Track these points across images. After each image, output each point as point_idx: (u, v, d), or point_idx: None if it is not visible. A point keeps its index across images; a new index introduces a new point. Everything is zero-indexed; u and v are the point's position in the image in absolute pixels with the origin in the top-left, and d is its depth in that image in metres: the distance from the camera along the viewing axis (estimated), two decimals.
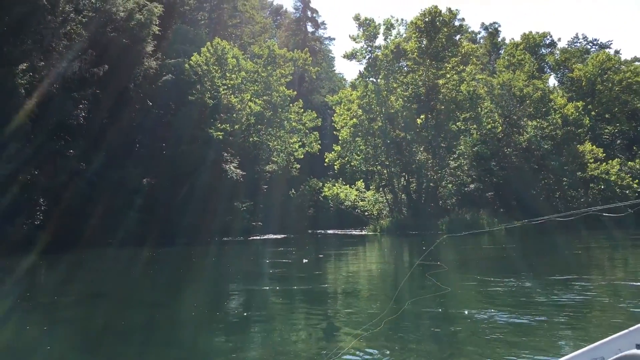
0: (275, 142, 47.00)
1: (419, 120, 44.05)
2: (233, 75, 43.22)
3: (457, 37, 45.13)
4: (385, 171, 46.09)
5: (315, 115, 50.09)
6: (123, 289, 14.67)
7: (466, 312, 9.58)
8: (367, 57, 44.67)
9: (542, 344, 7.42)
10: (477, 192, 44.90)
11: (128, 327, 9.73)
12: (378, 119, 44.58)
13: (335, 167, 47.68)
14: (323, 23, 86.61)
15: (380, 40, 44.70)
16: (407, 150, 44.61)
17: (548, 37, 61.32)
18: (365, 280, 16.07)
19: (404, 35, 45.96)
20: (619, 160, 46.30)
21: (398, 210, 44.69)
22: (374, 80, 44.96)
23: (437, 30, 42.89)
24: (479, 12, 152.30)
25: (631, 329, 3.67)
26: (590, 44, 68.92)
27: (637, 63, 59.56)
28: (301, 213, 49.42)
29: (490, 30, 71.05)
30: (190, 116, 39.00)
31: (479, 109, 44.37)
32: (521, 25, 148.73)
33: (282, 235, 39.07)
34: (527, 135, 44.97)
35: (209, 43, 42.91)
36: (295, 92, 48.05)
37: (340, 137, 46.10)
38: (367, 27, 44.00)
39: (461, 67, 43.35)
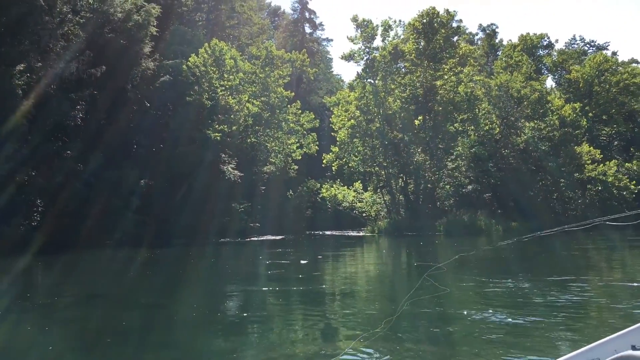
0: (273, 143, 46.98)
1: (416, 122, 44.10)
2: (231, 77, 43.20)
3: (455, 38, 45.25)
4: (383, 172, 46.10)
5: (313, 116, 50.07)
6: (120, 289, 14.63)
7: (464, 313, 9.59)
8: (365, 58, 44.73)
9: (539, 345, 7.42)
10: (475, 193, 44.94)
11: (125, 328, 9.70)
12: (376, 120, 44.60)
13: (333, 168, 47.66)
14: (321, 24, 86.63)
15: (378, 42, 44.82)
16: (405, 151, 44.64)
17: (545, 38, 61.52)
18: (364, 281, 16.06)
19: (402, 36, 46.03)
20: (616, 161, 46.40)
21: (396, 211, 44.70)
22: (372, 81, 44.99)
23: (434, 31, 42.96)
24: (476, 13, 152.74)
25: (627, 329, 3.66)
26: (587, 45, 69.15)
27: (634, 65, 59.77)
28: (299, 214, 49.36)
29: (487, 31, 71.19)
30: (188, 117, 38.96)
31: (477, 110, 44.42)
32: (519, 27, 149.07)
33: (280, 237, 39.02)
34: (525, 137, 45.05)
35: (206, 44, 42.89)
36: (293, 93, 48.05)
37: (338, 138, 46.08)
38: (365, 29, 44.04)
39: (459, 69, 43.42)
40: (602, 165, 44.30)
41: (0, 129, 25.92)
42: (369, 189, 49.22)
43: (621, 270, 17.31)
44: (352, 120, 45.01)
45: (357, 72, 46.31)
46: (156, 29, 37.10)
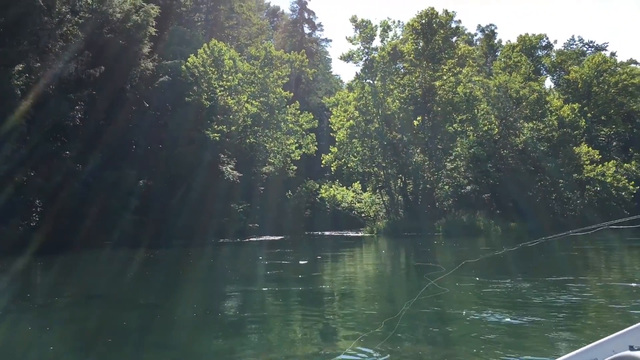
0: (271, 144, 46.95)
1: (415, 122, 44.13)
2: (230, 77, 43.18)
3: (454, 39, 45.25)
4: (381, 173, 46.12)
5: (312, 116, 50.06)
6: (119, 290, 14.62)
7: (464, 313, 9.59)
8: (364, 58, 44.74)
9: (537, 345, 7.44)
10: (474, 193, 44.99)
11: (124, 328, 9.69)
12: (375, 120, 44.62)
13: (332, 168, 47.66)
14: (320, 25, 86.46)
15: (377, 42, 44.84)
16: (404, 151, 44.65)
17: (544, 39, 61.53)
18: (363, 281, 16.07)
19: (401, 37, 46.09)
20: (614, 162, 46.48)
21: (394, 211, 44.71)
22: (371, 81, 45.01)
23: (433, 32, 42.97)
24: (475, 14, 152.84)
25: (625, 330, 3.66)
26: (586, 46, 69.24)
27: (632, 65, 59.85)
28: (298, 214, 49.36)
29: (486, 32, 71.26)
30: (187, 117, 38.94)
31: (476, 110, 44.46)
32: (517, 27, 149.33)
33: (279, 237, 39.02)
34: (524, 137, 45.11)
35: (205, 44, 42.87)
36: (292, 94, 48.03)
37: (336, 139, 46.09)
38: (364, 29, 44.06)
39: (458, 69, 43.44)
40: (600, 165, 44.37)
41: None
42: (367, 189, 49.22)
43: (619, 270, 17.34)
44: (351, 121, 45.02)
45: (356, 72, 46.39)
46: (155, 30, 37.08)
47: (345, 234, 42.97)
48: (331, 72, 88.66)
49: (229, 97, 42.92)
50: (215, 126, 40.68)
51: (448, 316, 9.61)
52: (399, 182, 45.51)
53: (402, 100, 43.99)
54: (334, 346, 7.86)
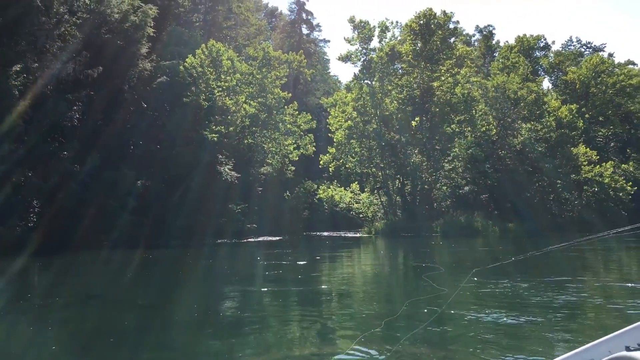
0: (269, 144, 46.95)
1: (413, 123, 44.19)
2: (228, 77, 43.17)
3: (452, 39, 45.32)
4: (379, 173, 46.16)
5: (310, 117, 50.08)
6: (116, 290, 14.59)
7: (462, 313, 9.60)
8: (362, 59, 44.81)
9: (534, 346, 7.45)
10: (472, 194, 45.07)
11: (122, 329, 9.68)
12: (373, 121, 44.66)
13: (330, 169, 47.70)
14: (318, 25, 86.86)
15: (375, 43, 44.93)
16: (402, 152, 44.70)
17: (542, 40, 61.71)
18: (361, 282, 16.07)
19: (399, 37, 46.15)
20: (612, 162, 46.62)
21: (392, 212, 44.75)
22: (369, 82, 45.07)
23: (431, 32, 43.04)
24: (473, 15, 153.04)
25: (621, 330, 3.67)
26: (584, 47, 69.40)
27: (630, 66, 60.04)
28: (296, 215, 49.40)
29: (484, 33, 71.36)
30: (185, 118, 38.92)
31: (474, 111, 44.54)
32: (515, 28, 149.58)
33: (277, 238, 39.01)
34: (521, 138, 45.20)
35: (203, 45, 42.84)
36: (290, 94, 48.04)
37: (335, 139, 46.13)
38: (362, 30, 44.11)
39: (456, 70, 43.52)
40: (598, 166, 44.49)
41: None
42: (365, 190, 49.28)
43: (617, 270, 17.39)
44: (349, 122, 45.07)
45: (354, 73, 46.47)
46: (153, 30, 37.04)
47: (343, 235, 42.96)
48: (329, 72, 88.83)
49: (227, 97, 42.90)
50: (213, 127, 40.67)
51: (447, 316, 9.61)
52: (397, 182, 45.55)
53: (400, 101, 44.04)
54: (333, 346, 7.86)
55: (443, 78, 43.31)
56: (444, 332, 8.49)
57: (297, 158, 48.77)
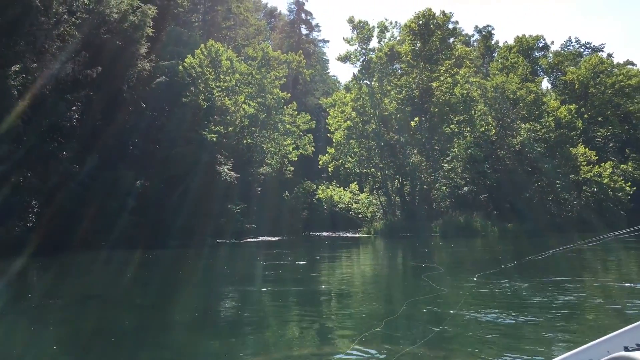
0: (269, 145, 46.93)
1: (412, 123, 44.18)
2: (227, 77, 43.15)
3: (451, 40, 45.33)
4: (379, 173, 46.17)
5: (309, 117, 50.05)
6: (116, 291, 14.59)
7: (461, 313, 9.61)
8: (361, 59, 44.80)
9: (534, 346, 7.46)
10: (471, 194, 45.07)
11: (121, 329, 9.68)
12: (372, 121, 44.67)
13: (329, 169, 47.68)
14: (317, 25, 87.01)
15: (374, 43, 44.91)
16: (401, 152, 44.71)
17: (541, 40, 61.70)
18: (361, 282, 16.08)
19: (398, 38, 46.14)
20: (611, 163, 46.68)
21: (392, 212, 44.75)
22: (368, 82, 45.06)
23: (430, 33, 43.05)
24: (472, 15, 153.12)
25: (619, 331, 3.68)
26: (583, 47, 69.43)
27: (629, 66, 60.12)
28: (295, 215, 49.38)
29: (483, 33, 71.35)
30: (184, 118, 38.89)
31: (473, 111, 44.55)
32: (514, 29, 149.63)
33: (276, 238, 39.01)
34: (521, 138, 45.21)
35: (202, 45, 42.82)
36: (289, 95, 48.01)
37: (334, 140, 46.14)
38: (361, 30, 44.11)
39: (455, 70, 43.53)
40: (597, 166, 44.53)
41: None
42: (365, 190, 49.29)
43: (616, 271, 17.41)
44: (348, 122, 45.07)
45: (353, 73, 46.51)
46: (152, 30, 37.00)
47: (342, 235, 42.97)
48: (328, 73, 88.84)
49: (226, 97, 42.89)
50: (213, 127, 40.65)
51: (446, 316, 9.62)
52: (396, 182, 45.55)
53: (399, 101, 44.06)
54: (333, 346, 7.87)
55: (442, 78, 43.32)
56: (444, 332, 8.50)
57: (296, 158, 48.75)
